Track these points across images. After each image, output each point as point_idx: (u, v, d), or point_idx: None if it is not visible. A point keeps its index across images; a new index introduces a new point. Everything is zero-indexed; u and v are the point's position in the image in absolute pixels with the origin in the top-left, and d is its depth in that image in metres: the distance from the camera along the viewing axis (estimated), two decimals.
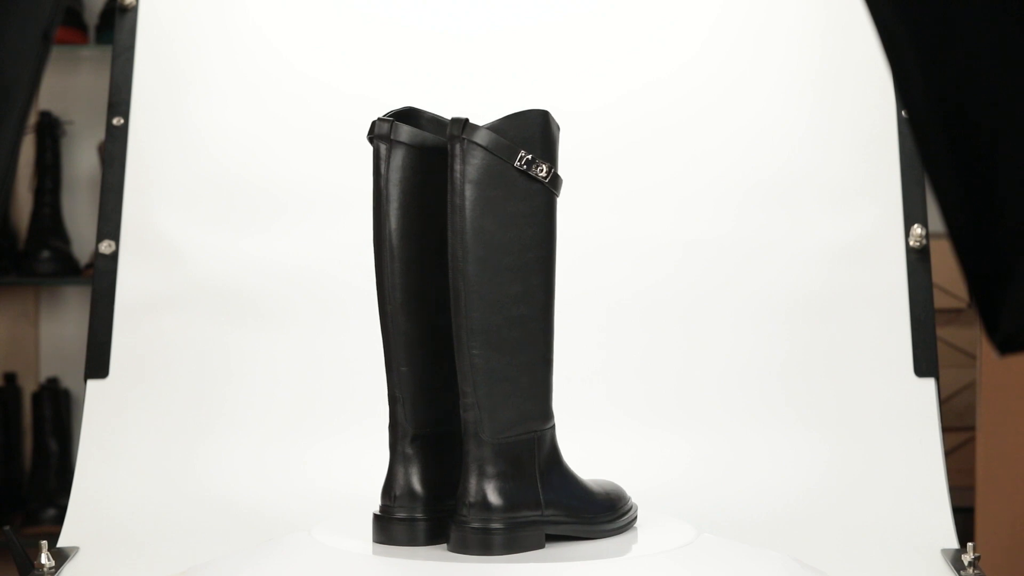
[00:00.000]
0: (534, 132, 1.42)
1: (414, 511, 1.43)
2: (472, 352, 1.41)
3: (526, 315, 1.42)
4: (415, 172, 1.44)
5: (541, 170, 1.42)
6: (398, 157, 1.43)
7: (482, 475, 1.41)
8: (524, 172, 1.41)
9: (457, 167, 1.40)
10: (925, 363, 1.93)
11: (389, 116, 1.45)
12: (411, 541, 1.43)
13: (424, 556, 1.41)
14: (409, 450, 1.44)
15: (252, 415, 1.95)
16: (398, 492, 1.44)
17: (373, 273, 2.00)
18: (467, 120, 1.40)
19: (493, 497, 1.41)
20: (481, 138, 1.40)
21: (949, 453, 2.02)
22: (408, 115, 1.48)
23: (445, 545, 1.43)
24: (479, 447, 1.42)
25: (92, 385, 1.95)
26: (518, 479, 1.42)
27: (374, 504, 1.55)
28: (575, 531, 1.46)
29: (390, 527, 1.44)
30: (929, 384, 1.92)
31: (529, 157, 1.41)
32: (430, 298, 1.46)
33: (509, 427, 1.42)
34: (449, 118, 1.44)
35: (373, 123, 1.45)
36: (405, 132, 1.44)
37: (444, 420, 1.46)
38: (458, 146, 1.40)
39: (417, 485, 1.43)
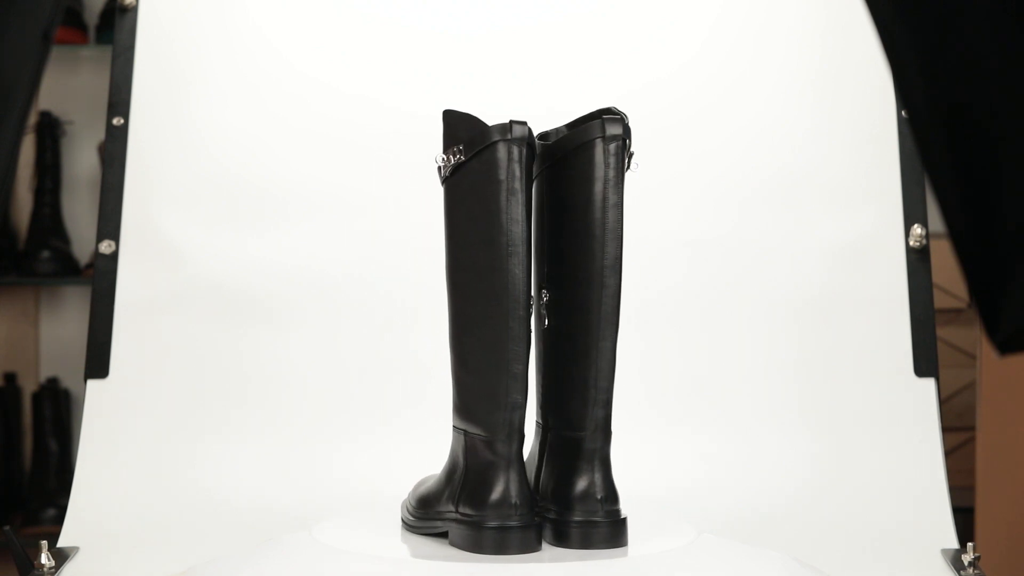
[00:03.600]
0: None
1: (527, 518, 1.41)
2: (613, 347, 1.44)
3: None
4: (532, 175, 1.44)
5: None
6: (526, 160, 1.42)
7: (607, 469, 1.45)
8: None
9: (614, 165, 1.44)
10: (925, 363, 1.93)
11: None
12: (527, 548, 1.41)
13: (425, 556, 1.41)
14: (516, 456, 1.42)
15: (252, 415, 1.95)
16: (519, 500, 1.41)
17: (374, 273, 2.01)
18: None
19: (614, 490, 1.45)
20: (628, 136, 1.45)
21: (949, 453, 2.02)
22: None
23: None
24: (605, 442, 1.45)
25: (92, 385, 1.95)
26: None
27: (375, 504, 1.55)
28: None
29: (508, 536, 1.40)
30: (929, 384, 1.92)
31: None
32: (538, 302, 1.47)
33: None
34: (606, 116, 1.45)
35: (503, 125, 1.41)
36: (530, 133, 1.44)
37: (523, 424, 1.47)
38: (613, 145, 1.43)
39: (526, 491, 1.42)
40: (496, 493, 1.40)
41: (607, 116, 1.45)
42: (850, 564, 1.71)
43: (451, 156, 1.44)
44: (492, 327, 1.41)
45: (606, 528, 1.43)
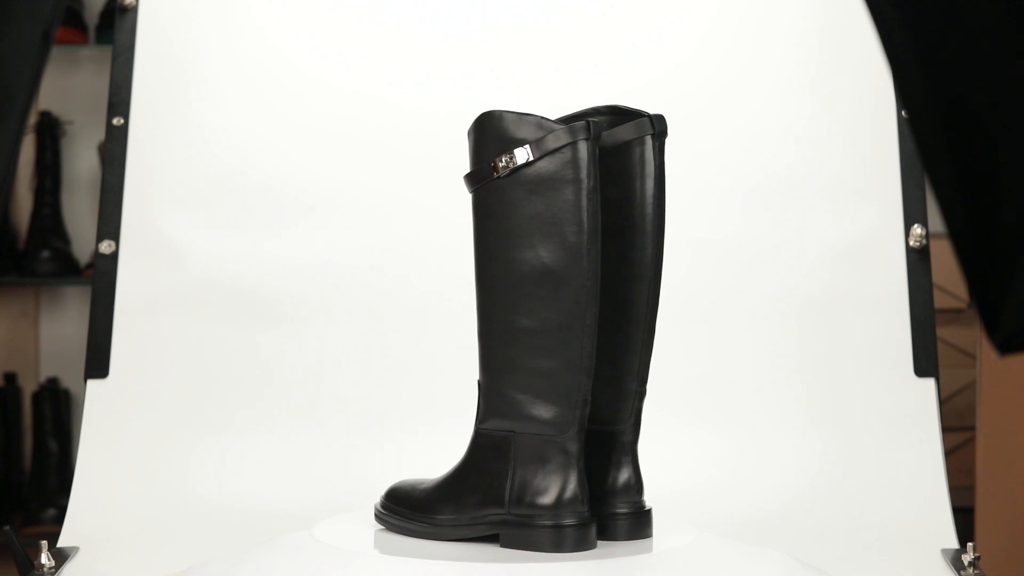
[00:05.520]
0: None
1: (587, 514, 1.42)
2: (653, 340, 1.48)
3: None
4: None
5: None
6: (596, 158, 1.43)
7: (637, 460, 1.49)
8: None
9: (660, 162, 1.47)
10: (925, 363, 1.93)
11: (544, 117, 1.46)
12: (591, 544, 1.42)
13: (426, 555, 1.41)
14: (580, 452, 1.42)
15: (252, 415, 1.95)
16: (583, 496, 1.41)
17: (376, 271, 2.01)
18: None
19: (643, 481, 1.49)
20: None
21: (949, 453, 2.02)
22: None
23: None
24: (637, 435, 1.49)
25: (92, 385, 1.95)
26: None
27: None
28: None
29: (579, 533, 1.41)
30: (929, 384, 1.92)
31: None
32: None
33: None
34: (651, 114, 1.48)
35: (581, 124, 1.41)
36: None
37: None
38: (658, 143, 1.47)
39: (586, 486, 1.42)
40: (564, 491, 1.41)
41: (658, 114, 1.48)
42: (850, 564, 1.71)
43: (513, 157, 1.42)
44: (564, 326, 1.41)
45: (642, 518, 1.47)
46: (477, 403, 1.46)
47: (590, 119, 1.42)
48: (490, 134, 1.43)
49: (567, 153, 1.40)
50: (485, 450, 1.45)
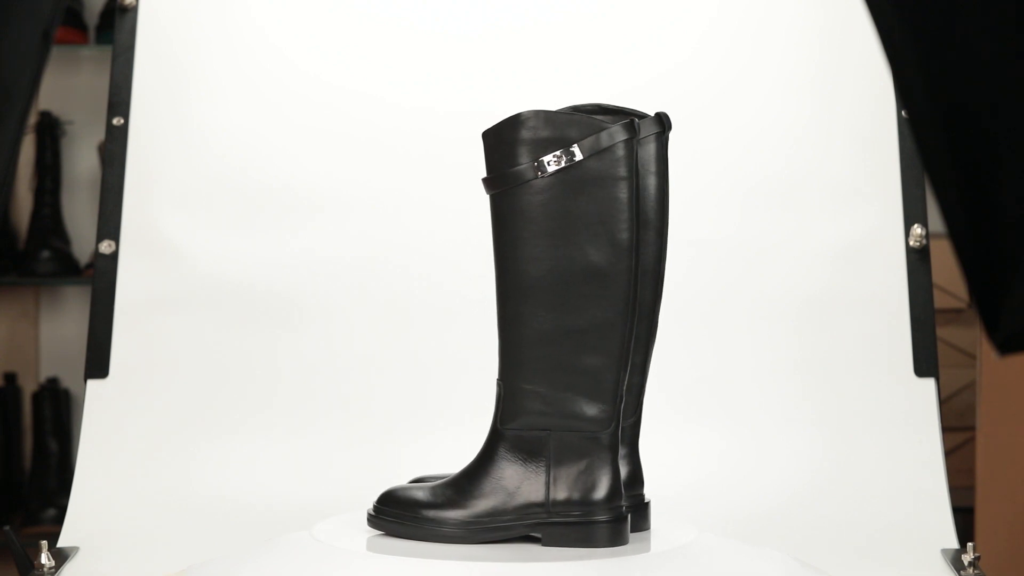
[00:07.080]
0: None
1: (622, 509, 1.44)
2: (656, 335, 1.52)
3: None
4: None
5: None
6: None
7: (638, 454, 1.52)
8: None
9: (665, 158, 1.49)
10: (925, 363, 1.93)
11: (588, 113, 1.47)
12: (624, 539, 1.44)
13: (426, 555, 1.41)
14: (616, 444, 1.44)
15: (252, 414, 1.95)
16: (621, 491, 1.43)
17: (376, 271, 2.01)
18: None
19: None
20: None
21: (949, 453, 2.01)
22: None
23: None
24: (639, 429, 1.52)
25: (92, 385, 1.95)
26: None
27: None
28: None
29: (622, 527, 1.43)
30: (929, 384, 1.92)
31: None
32: None
33: None
34: (654, 113, 1.50)
35: (628, 123, 1.40)
36: None
37: None
38: (663, 139, 1.49)
39: (621, 482, 1.44)
40: (605, 486, 1.42)
41: (660, 112, 1.49)
42: (850, 564, 1.71)
43: (560, 157, 1.40)
44: (610, 323, 1.41)
45: (642, 511, 1.49)
46: (497, 404, 1.44)
47: (634, 117, 1.43)
48: (526, 134, 1.41)
49: (614, 152, 1.40)
50: (513, 451, 1.44)
